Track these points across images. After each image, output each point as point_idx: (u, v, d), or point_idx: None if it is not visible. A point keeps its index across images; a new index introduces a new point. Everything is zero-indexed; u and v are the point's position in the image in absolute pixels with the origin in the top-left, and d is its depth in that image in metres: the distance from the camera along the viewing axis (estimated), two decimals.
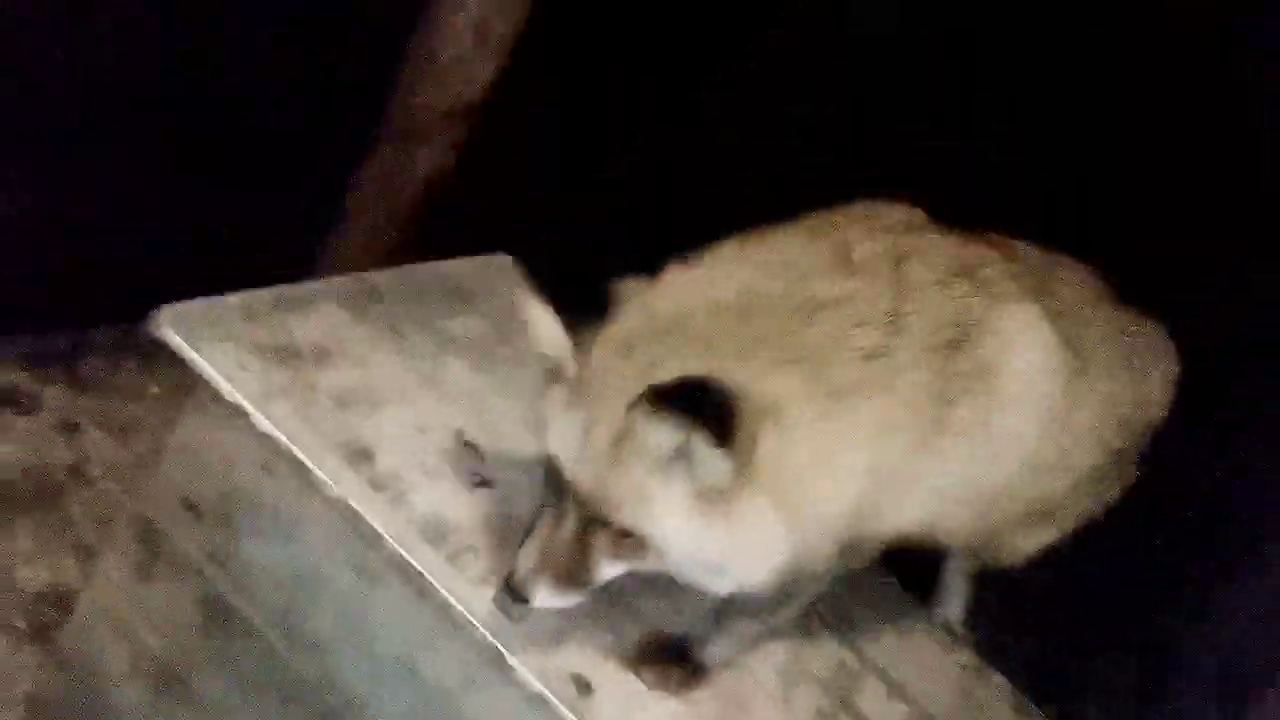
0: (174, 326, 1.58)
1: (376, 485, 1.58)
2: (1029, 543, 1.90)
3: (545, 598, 1.44)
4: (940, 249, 1.57)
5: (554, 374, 1.46)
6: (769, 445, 1.36)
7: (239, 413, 1.55)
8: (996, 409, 1.52)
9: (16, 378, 2.42)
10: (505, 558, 1.59)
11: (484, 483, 1.74)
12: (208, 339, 1.59)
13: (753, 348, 1.39)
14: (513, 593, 1.43)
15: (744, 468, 1.35)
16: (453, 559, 1.57)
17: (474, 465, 1.74)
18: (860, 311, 1.45)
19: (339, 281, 1.94)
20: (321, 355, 1.73)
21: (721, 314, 1.42)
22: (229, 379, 1.56)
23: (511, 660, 1.49)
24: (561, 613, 1.58)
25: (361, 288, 1.92)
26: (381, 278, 1.99)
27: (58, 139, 2.21)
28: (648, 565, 1.45)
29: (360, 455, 1.61)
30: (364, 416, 1.67)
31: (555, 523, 1.43)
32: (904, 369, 1.44)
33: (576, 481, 1.41)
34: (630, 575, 1.60)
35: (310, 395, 1.64)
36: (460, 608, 1.51)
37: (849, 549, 1.59)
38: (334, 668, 1.61)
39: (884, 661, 1.90)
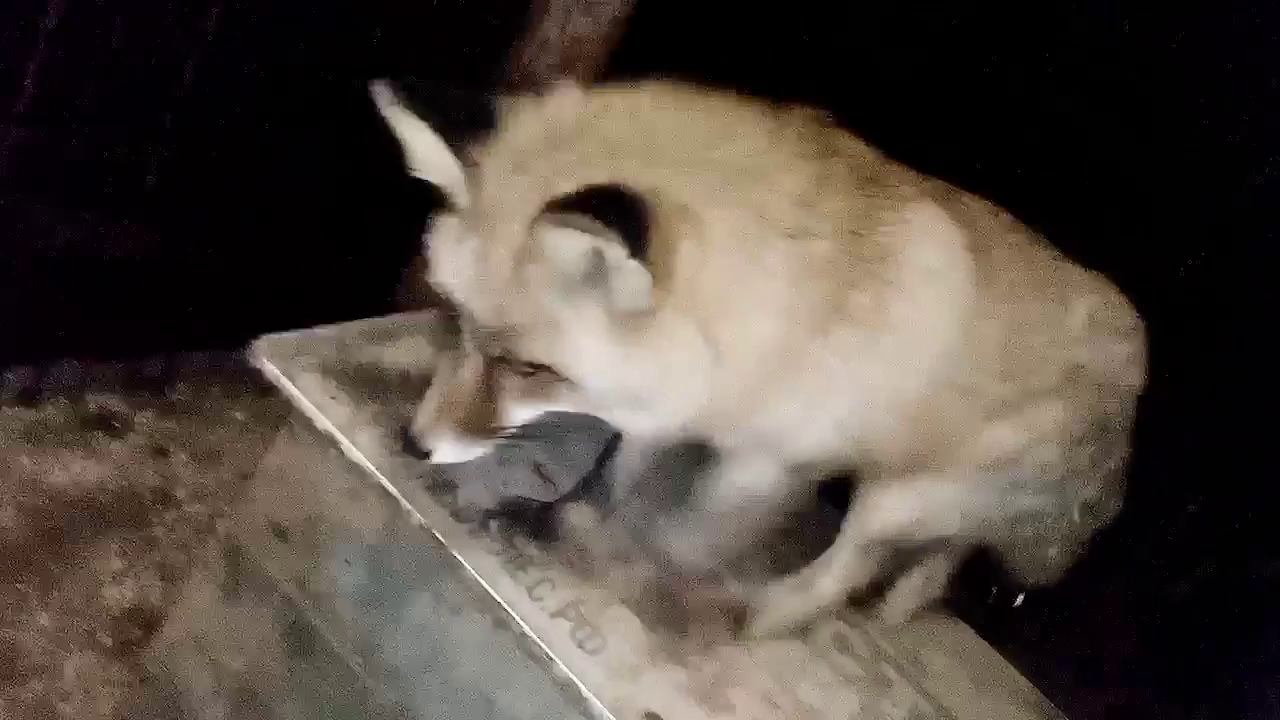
0: (270, 356, 1.63)
1: (460, 516, 1.61)
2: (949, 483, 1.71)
3: (448, 451, 1.34)
4: (860, 156, 1.50)
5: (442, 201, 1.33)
6: (688, 258, 1.23)
7: (330, 441, 1.59)
8: (894, 298, 1.43)
9: (110, 401, 2.51)
10: (582, 590, 1.63)
11: None
12: (302, 369, 1.64)
13: (671, 153, 1.26)
14: (412, 448, 1.32)
15: (663, 283, 1.21)
16: (531, 590, 1.59)
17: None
18: (790, 164, 1.36)
19: (424, 314, 1.98)
20: (408, 386, 1.77)
21: (633, 122, 1.28)
22: (321, 408, 1.60)
23: (587, 694, 1.50)
24: (636, 648, 1.60)
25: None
26: None
27: (161, 182, 2.30)
28: (563, 404, 1.32)
29: (443, 485, 1.64)
30: None
31: (455, 368, 1.31)
32: (822, 233, 1.35)
33: (475, 315, 1.27)
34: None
35: (397, 425, 1.67)
36: (537, 639, 1.53)
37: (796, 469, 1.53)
38: (412, 696, 1.63)
39: (959, 709, 1.87)
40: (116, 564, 2.23)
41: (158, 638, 1.95)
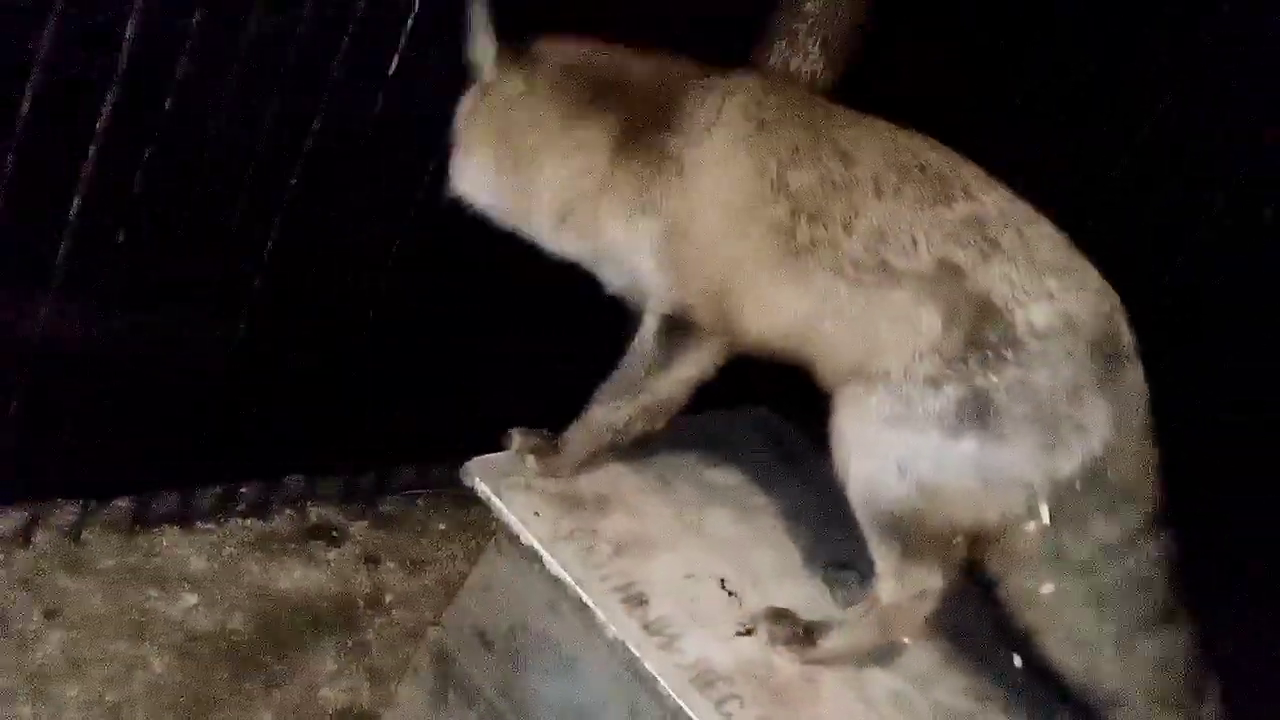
0: (482, 476, 1.77)
1: (651, 630, 1.68)
2: None
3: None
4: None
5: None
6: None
7: (533, 556, 1.70)
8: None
9: (329, 512, 2.73)
10: (770, 708, 1.66)
11: (747, 631, 1.80)
12: (509, 488, 1.78)
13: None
14: None
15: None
16: (719, 706, 1.63)
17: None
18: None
19: None
20: (601, 504, 1.87)
21: None
22: (525, 524, 1.72)
23: None
24: None
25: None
26: None
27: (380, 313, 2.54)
28: None
29: (635, 600, 1.72)
30: (638, 562, 1.79)
31: None
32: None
33: None
34: None
35: (592, 541, 1.78)
36: None
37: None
38: None
39: None
40: (331, 665, 2.40)
41: None
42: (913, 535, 1.71)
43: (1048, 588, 1.73)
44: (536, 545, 1.70)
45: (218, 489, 2.57)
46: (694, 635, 1.72)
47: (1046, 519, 1.68)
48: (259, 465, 2.61)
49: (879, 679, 1.83)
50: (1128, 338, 1.72)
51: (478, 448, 1.90)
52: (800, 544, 1.99)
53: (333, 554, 2.64)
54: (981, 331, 1.65)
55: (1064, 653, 1.76)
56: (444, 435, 2.28)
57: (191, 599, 2.40)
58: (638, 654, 1.63)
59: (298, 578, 2.55)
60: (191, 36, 2.00)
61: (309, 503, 2.71)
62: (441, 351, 2.70)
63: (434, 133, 2.34)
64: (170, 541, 2.49)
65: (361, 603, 2.55)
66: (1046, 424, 1.64)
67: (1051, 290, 1.66)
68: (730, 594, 1.86)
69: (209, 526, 2.56)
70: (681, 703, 1.59)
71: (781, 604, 1.84)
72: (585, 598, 1.66)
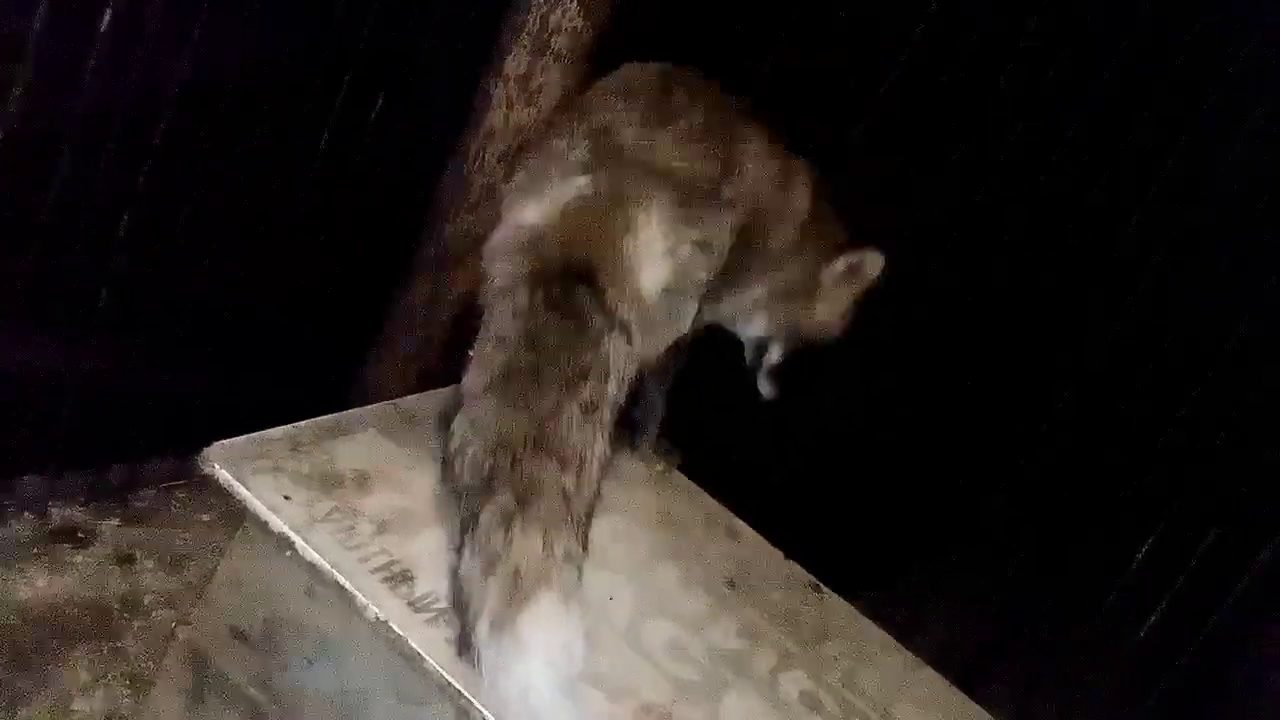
0: (222, 462, 1.66)
1: (416, 606, 1.63)
2: None
3: None
4: None
5: None
6: None
7: (285, 543, 1.61)
8: None
9: (75, 513, 2.52)
10: None
11: None
12: (255, 472, 1.67)
13: None
14: None
15: None
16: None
17: None
18: None
19: (378, 409, 2.02)
20: (362, 481, 1.80)
21: None
22: (275, 510, 1.63)
23: None
24: None
25: (399, 414, 2.01)
26: (417, 403, 2.07)
27: (116, 296, 2.35)
28: None
29: (400, 577, 1.66)
30: (403, 539, 1.73)
31: None
32: None
33: None
34: None
35: (352, 521, 1.70)
36: None
37: None
38: None
39: None
40: (85, 676, 2.22)
41: None
42: None
43: None
44: (288, 531, 1.61)
45: None
46: None
47: None
48: None
49: (655, 628, 1.86)
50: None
51: (240, 429, 1.78)
52: None
53: (80, 557, 2.44)
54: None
55: None
56: (203, 420, 2.13)
57: None
58: (401, 633, 1.57)
59: (42, 586, 2.35)
60: None
61: (50, 503, 2.49)
62: (192, 332, 2.54)
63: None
64: None
65: (117, 606, 2.38)
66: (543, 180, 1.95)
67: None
68: None
69: None
70: (448, 676, 1.56)
71: None
72: (343, 581, 1.59)
